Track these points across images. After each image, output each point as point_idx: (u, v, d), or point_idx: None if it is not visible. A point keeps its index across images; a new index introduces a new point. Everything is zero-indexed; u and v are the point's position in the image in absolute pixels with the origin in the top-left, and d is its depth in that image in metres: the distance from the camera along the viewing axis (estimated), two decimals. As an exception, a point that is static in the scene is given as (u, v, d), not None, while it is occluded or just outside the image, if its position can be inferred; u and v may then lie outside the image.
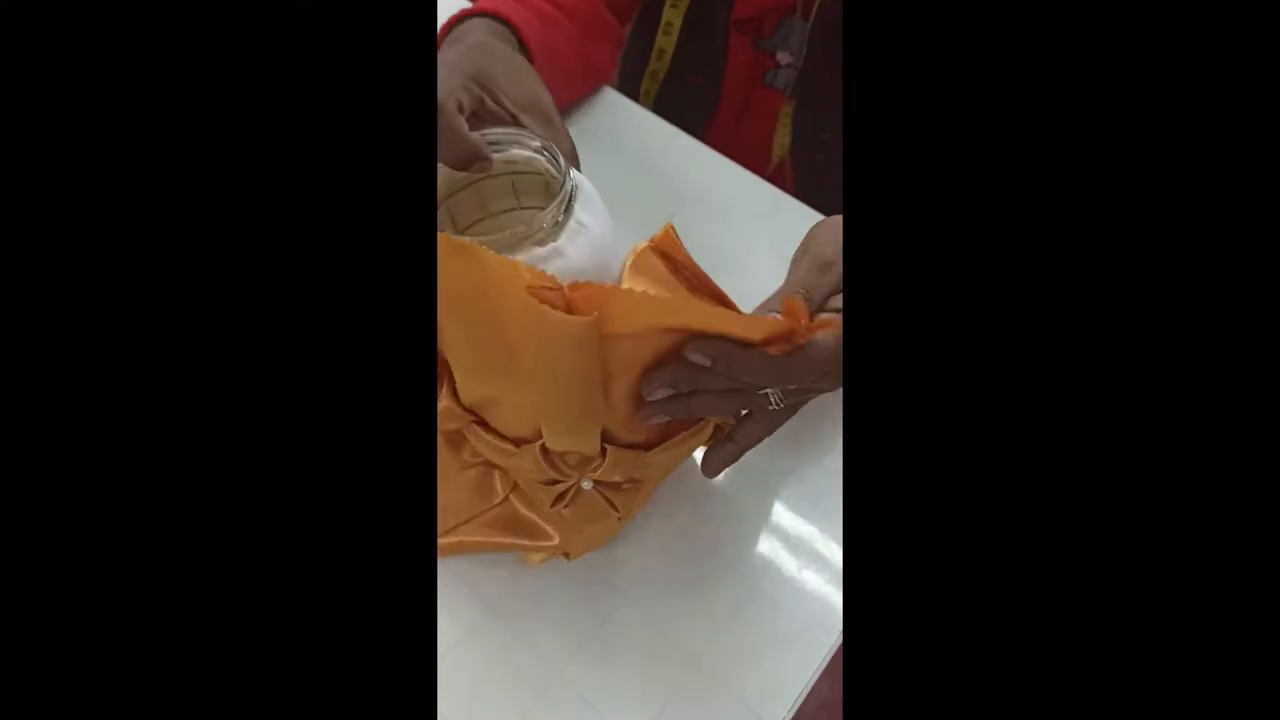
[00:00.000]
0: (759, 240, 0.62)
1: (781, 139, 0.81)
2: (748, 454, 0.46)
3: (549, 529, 0.49)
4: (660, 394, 0.40)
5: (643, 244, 0.45)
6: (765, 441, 0.45)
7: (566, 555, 0.50)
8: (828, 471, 0.52)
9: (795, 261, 0.47)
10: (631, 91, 0.83)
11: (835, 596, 0.48)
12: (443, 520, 0.50)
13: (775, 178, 0.72)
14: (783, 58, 0.77)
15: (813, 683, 0.46)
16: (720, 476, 0.49)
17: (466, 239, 0.36)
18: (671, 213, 0.64)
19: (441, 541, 0.49)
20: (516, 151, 0.49)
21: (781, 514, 0.51)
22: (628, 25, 0.77)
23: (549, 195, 0.49)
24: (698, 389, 0.40)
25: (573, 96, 0.72)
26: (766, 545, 0.50)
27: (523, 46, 0.60)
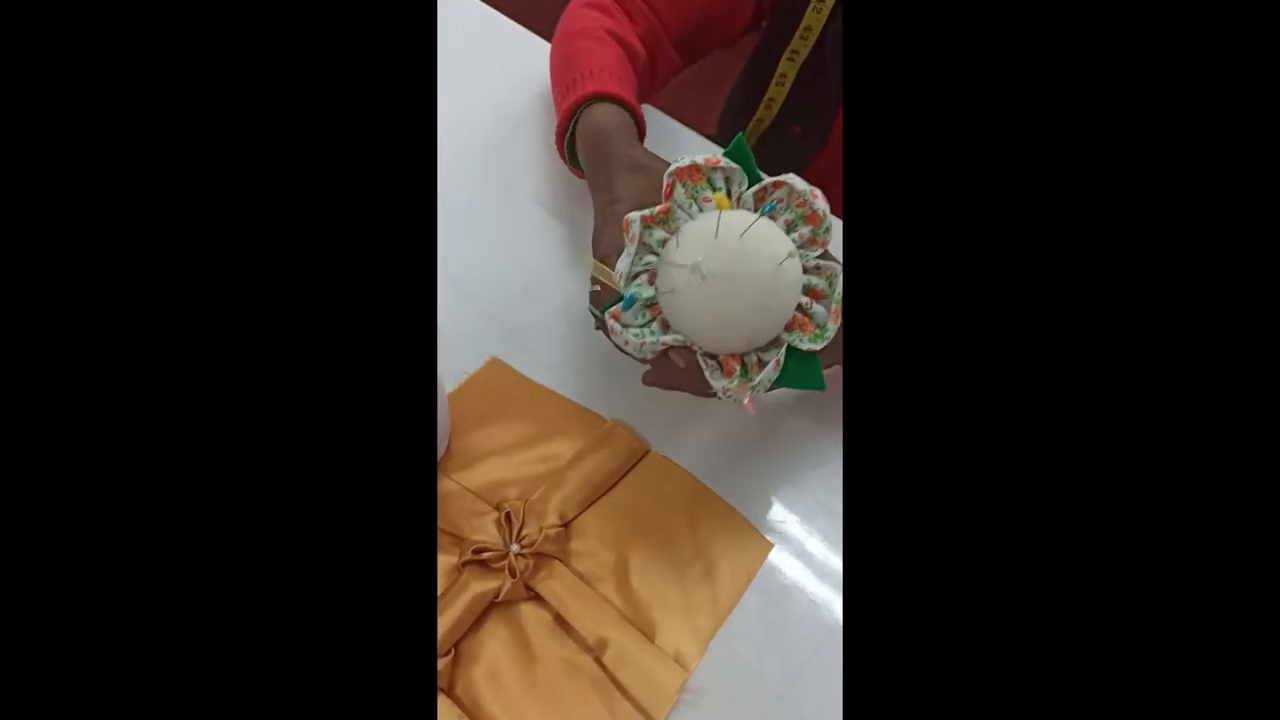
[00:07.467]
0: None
1: None
2: (750, 461, 0.57)
3: None
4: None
5: None
6: (764, 446, 0.57)
7: None
8: (827, 480, 0.55)
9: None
10: (731, 135, 0.85)
11: (835, 603, 0.49)
12: None
13: None
14: None
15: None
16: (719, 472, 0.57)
17: None
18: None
19: None
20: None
21: (785, 519, 0.53)
22: (689, 65, 0.78)
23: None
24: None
25: None
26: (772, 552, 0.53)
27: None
